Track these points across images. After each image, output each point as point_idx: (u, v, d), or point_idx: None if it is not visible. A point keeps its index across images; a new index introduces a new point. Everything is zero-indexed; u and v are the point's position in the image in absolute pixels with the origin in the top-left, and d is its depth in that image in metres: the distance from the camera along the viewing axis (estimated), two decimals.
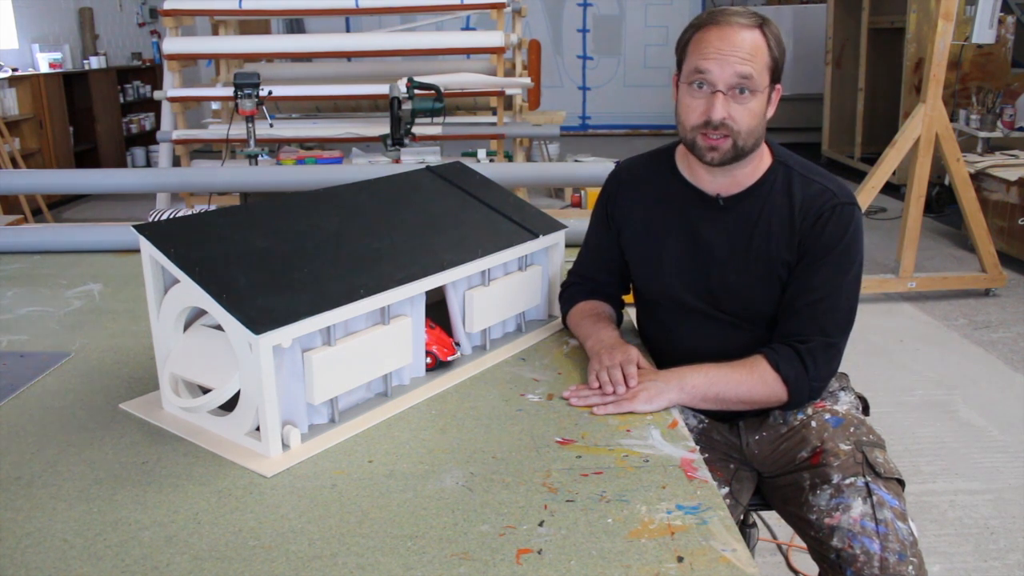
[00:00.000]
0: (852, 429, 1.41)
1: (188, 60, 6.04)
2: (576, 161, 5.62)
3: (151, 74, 8.26)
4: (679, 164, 1.48)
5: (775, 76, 1.34)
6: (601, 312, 1.55)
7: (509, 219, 1.57)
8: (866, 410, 1.55)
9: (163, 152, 5.45)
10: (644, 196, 1.51)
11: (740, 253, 1.40)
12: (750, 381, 1.34)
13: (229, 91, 3.76)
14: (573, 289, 1.60)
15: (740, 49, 1.29)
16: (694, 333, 1.48)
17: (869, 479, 1.32)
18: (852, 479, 1.32)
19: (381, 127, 4.57)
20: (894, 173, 4.22)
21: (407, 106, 3.48)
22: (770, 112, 1.37)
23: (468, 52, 5.30)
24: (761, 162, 1.42)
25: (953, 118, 5.62)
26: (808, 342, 1.35)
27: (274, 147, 5.14)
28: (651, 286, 1.52)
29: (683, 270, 1.45)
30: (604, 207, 1.57)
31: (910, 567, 1.22)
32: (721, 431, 1.50)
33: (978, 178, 4.87)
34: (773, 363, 1.35)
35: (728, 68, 1.29)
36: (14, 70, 6.28)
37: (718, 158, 1.35)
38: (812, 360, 1.35)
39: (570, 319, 1.57)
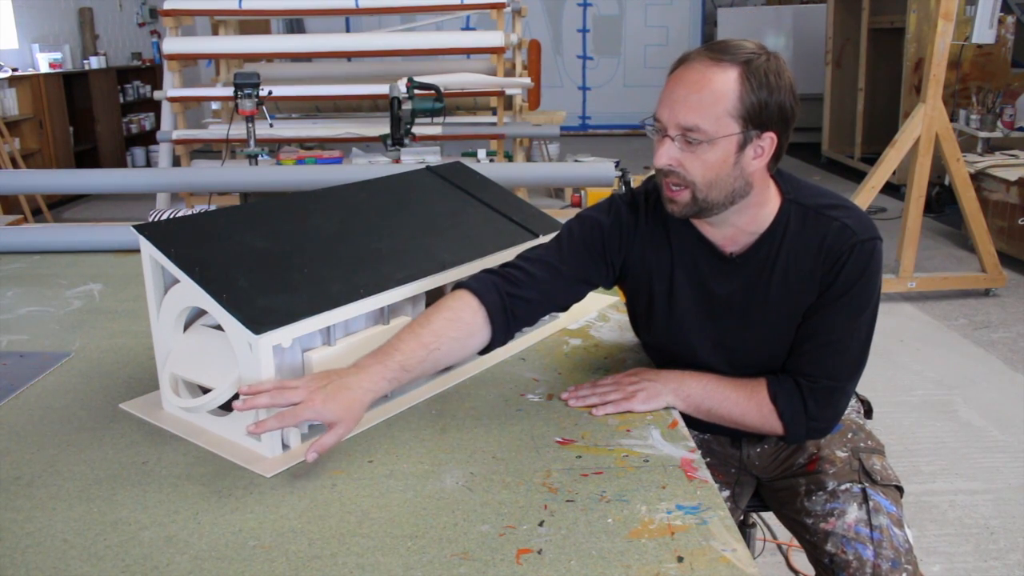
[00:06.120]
0: (850, 435, 1.40)
1: (188, 60, 6.04)
2: (576, 161, 5.61)
3: (151, 74, 8.27)
4: None
5: (755, 122, 1.16)
6: (460, 335, 1.22)
7: (509, 219, 1.57)
8: (868, 413, 1.54)
9: (163, 152, 5.45)
10: (657, 242, 1.33)
11: (758, 307, 1.28)
12: (745, 405, 1.28)
13: (229, 91, 3.76)
14: (499, 279, 1.28)
15: (692, 95, 1.14)
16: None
17: (866, 485, 1.31)
18: (848, 485, 1.31)
19: (381, 127, 4.57)
20: (894, 173, 4.22)
21: (407, 106, 3.49)
22: (758, 163, 1.19)
23: (468, 52, 5.30)
24: (766, 207, 1.26)
25: (953, 118, 5.62)
26: (813, 383, 1.26)
27: (274, 147, 5.14)
28: (659, 339, 1.38)
29: (698, 327, 1.33)
30: (604, 237, 1.33)
31: (903, 574, 1.22)
32: (722, 443, 1.47)
33: (978, 178, 4.87)
34: (772, 394, 1.27)
35: (672, 117, 1.16)
36: (14, 70, 6.28)
37: (678, 211, 1.22)
38: (814, 401, 1.26)
39: (440, 302, 1.25)
